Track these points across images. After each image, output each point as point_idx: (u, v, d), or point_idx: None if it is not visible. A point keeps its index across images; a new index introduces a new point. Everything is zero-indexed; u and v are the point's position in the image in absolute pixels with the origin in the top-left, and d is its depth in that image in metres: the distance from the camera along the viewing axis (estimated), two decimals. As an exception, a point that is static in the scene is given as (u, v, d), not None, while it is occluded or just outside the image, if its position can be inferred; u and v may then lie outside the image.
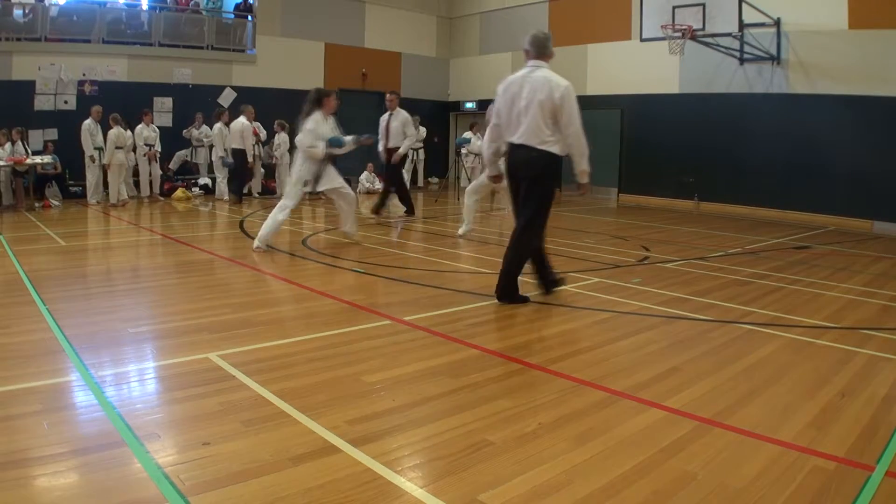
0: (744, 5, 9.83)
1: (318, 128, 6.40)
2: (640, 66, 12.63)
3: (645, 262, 6.50)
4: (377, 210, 9.38)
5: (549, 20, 14.46)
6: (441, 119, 16.97)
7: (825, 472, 2.22)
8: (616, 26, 13.10)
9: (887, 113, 9.66)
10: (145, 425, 2.46)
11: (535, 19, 14.61)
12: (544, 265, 4.75)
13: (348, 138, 6.62)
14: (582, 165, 4.36)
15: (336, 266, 5.91)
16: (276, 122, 12.24)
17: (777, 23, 10.65)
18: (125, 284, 5.17)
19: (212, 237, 8.06)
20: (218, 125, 11.73)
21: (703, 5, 10.04)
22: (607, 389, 2.98)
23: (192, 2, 13.50)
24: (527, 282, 4.73)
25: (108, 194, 10.61)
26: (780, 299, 4.94)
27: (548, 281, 4.79)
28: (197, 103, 12.59)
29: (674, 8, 10.30)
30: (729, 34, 10.16)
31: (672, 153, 12.42)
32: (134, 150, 11.06)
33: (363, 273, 5.56)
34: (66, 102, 11.70)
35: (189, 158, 12.59)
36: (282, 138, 12.11)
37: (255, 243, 6.49)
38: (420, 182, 15.33)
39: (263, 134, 12.08)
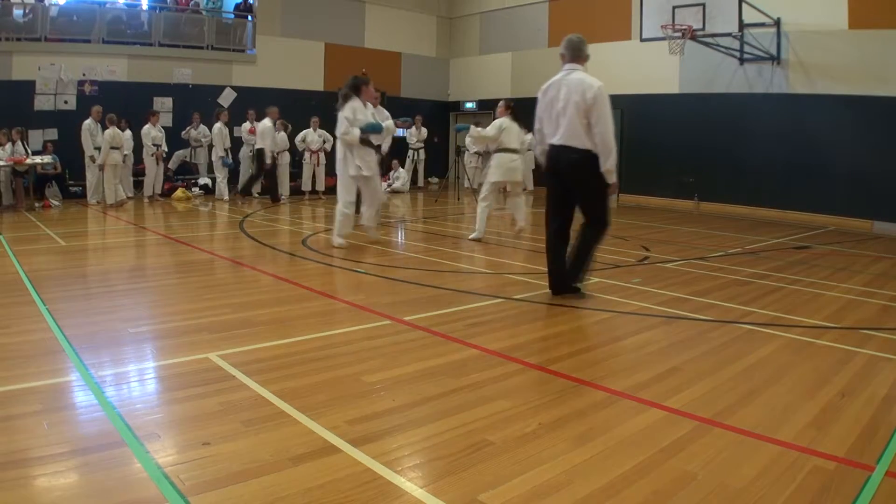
0: (744, 5, 9.82)
1: (355, 115, 6.60)
2: (641, 66, 12.61)
3: (645, 262, 6.50)
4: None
5: (549, 20, 14.45)
6: (441, 119, 16.94)
7: (825, 472, 2.22)
8: (616, 26, 13.08)
9: (887, 113, 9.65)
10: (145, 425, 2.46)
11: (535, 19, 14.61)
12: (582, 266, 4.75)
13: (387, 122, 6.83)
14: (607, 164, 4.45)
15: (336, 266, 5.92)
16: (276, 122, 12.21)
17: (777, 23, 10.65)
18: (125, 284, 5.17)
19: (212, 237, 8.06)
20: (218, 125, 11.73)
21: (703, 5, 10.03)
22: (607, 389, 2.98)
23: (192, 2, 13.49)
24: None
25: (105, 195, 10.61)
26: (780, 299, 4.94)
27: (572, 279, 4.76)
28: (197, 103, 12.59)
29: (674, 8, 10.29)
30: (729, 34, 10.15)
31: (672, 153, 12.40)
32: (136, 150, 11.07)
33: (363, 273, 5.56)
34: (66, 102, 11.70)
35: (188, 158, 12.59)
36: (281, 138, 12.10)
37: (336, 241, 6.77)
38: (420, 182, 15.31)
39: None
